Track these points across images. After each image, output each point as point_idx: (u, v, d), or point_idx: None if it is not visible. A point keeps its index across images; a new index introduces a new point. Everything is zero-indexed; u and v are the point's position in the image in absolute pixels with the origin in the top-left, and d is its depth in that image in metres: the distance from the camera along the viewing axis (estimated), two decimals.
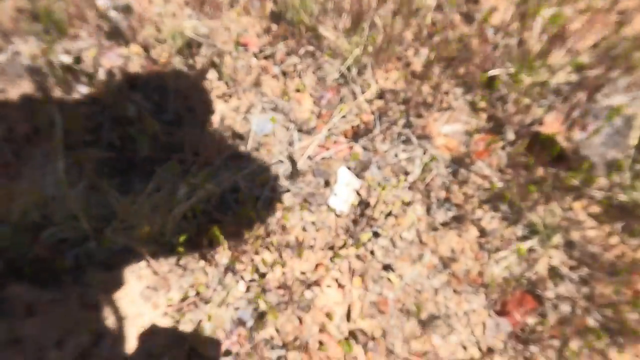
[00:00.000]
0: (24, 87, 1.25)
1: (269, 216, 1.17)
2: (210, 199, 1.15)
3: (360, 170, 1.30)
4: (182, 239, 1.01)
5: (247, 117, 1.33)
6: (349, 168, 1.30)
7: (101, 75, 1.31)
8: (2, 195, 1.03)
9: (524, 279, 1.13)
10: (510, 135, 1.31)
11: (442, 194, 1.27)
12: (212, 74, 1.38)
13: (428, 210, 1.25)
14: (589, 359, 1.03)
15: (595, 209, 1.20)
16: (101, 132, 1.22)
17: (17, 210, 1.00)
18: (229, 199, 1.18)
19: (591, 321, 1.06)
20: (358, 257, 1.17)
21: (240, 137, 1.31)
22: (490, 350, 1.07)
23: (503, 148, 1.32)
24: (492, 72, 1.30)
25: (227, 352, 0.99)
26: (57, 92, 1.25)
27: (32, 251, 0.96)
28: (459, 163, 1.30)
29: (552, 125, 1.23)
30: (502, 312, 1.11)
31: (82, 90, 1.27)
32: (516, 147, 1.24)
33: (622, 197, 1.12)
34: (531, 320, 1.10)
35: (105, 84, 1.28)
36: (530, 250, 1.16)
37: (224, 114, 1.33)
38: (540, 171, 1.25)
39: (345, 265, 1.15)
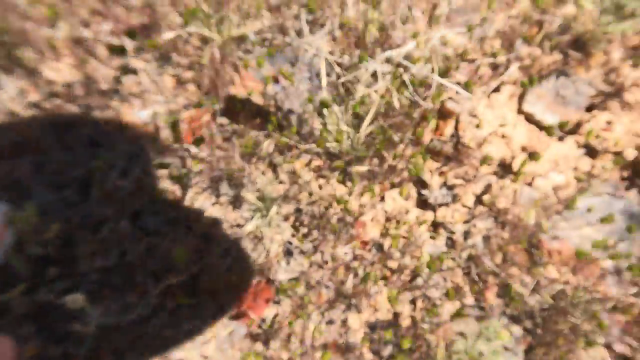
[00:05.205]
0: None
1: None
2: None
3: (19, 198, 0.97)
4: None
5: None
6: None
7: None
8: None
9: (255, 266, 0.97)
10: (219, 105, 1.11)
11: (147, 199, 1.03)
12: None
13: (134, 220, 1.00)
14: (330, 334, 0.91)
15: (319, 162, 1.08)
16: None
17: None
18: None
19: (324, 291, 0.95)
20: None
21: None
22: None
23: (214, 120, 1.12)
24: (166, 36, 1.07)
25: None
26: None
27: None
28: (165, 153, 1.06)
29: (241, 84, 1.06)
30: (238, 315, 0.94)
31: None
32: (220, 117, 1.05)
33: (331, 144, 1.01)
34: (269, 312, 0.94)
35: None
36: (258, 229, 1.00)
37: None
38: (256, 136, 1.08)
39: None
